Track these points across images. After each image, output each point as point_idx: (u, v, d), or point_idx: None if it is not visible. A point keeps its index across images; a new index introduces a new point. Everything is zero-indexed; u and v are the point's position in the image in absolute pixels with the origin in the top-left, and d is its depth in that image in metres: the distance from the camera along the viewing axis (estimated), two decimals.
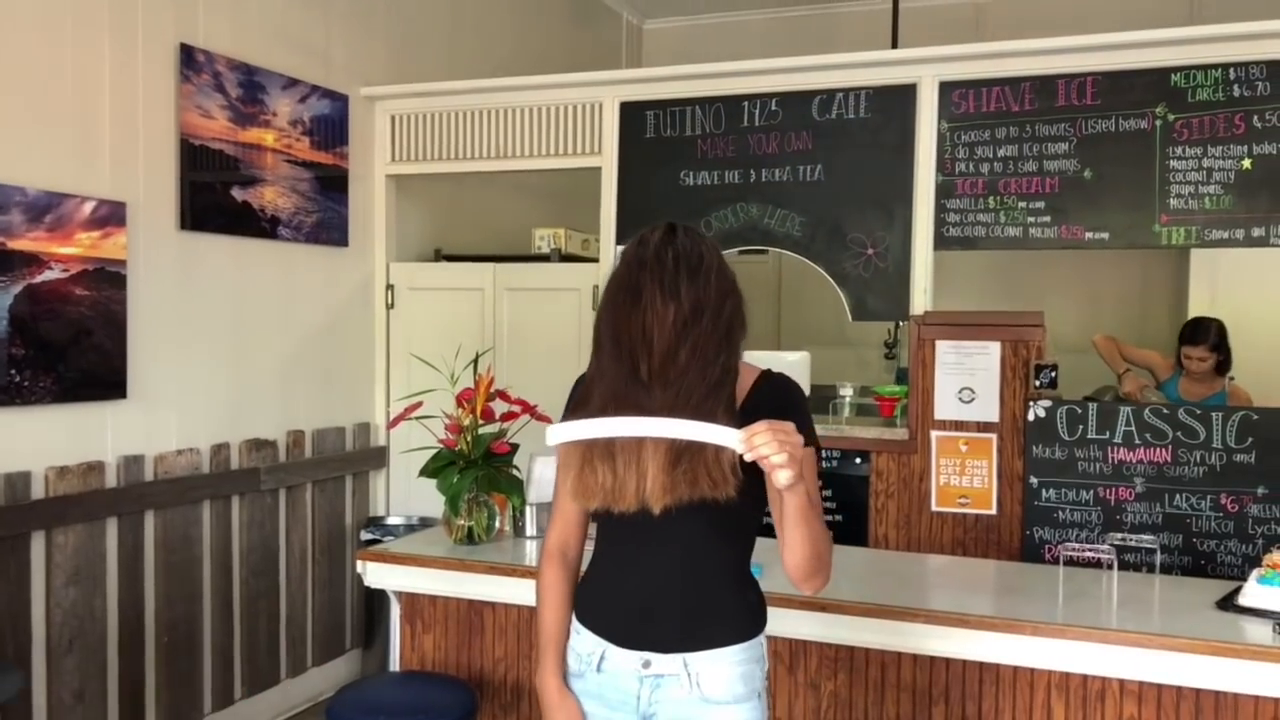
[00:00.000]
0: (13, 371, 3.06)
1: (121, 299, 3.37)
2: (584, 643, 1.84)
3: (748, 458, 1.52)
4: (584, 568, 1.97)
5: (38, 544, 3.15)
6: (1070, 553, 2.55)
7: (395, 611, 4.26)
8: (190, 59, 3.60)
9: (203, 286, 3.74)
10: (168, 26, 3.54)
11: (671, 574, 1.77)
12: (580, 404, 1.74)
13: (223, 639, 3.84)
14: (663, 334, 1.65)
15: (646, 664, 1.76)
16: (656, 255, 1.69)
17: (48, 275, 3.14)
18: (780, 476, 1.50)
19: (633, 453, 1.67)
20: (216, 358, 3.81)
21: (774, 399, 1.76)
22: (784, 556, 1.70)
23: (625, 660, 1.78)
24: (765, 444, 1.48)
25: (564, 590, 1.93)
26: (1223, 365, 4.31)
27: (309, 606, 4.27)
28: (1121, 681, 2.39)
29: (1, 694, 2.37)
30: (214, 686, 3.81)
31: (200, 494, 3.69)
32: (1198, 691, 2.33)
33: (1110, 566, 2.54)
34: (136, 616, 3.48)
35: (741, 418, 1.70)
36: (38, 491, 3.14)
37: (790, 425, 1.52)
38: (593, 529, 1.95)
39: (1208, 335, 4.28)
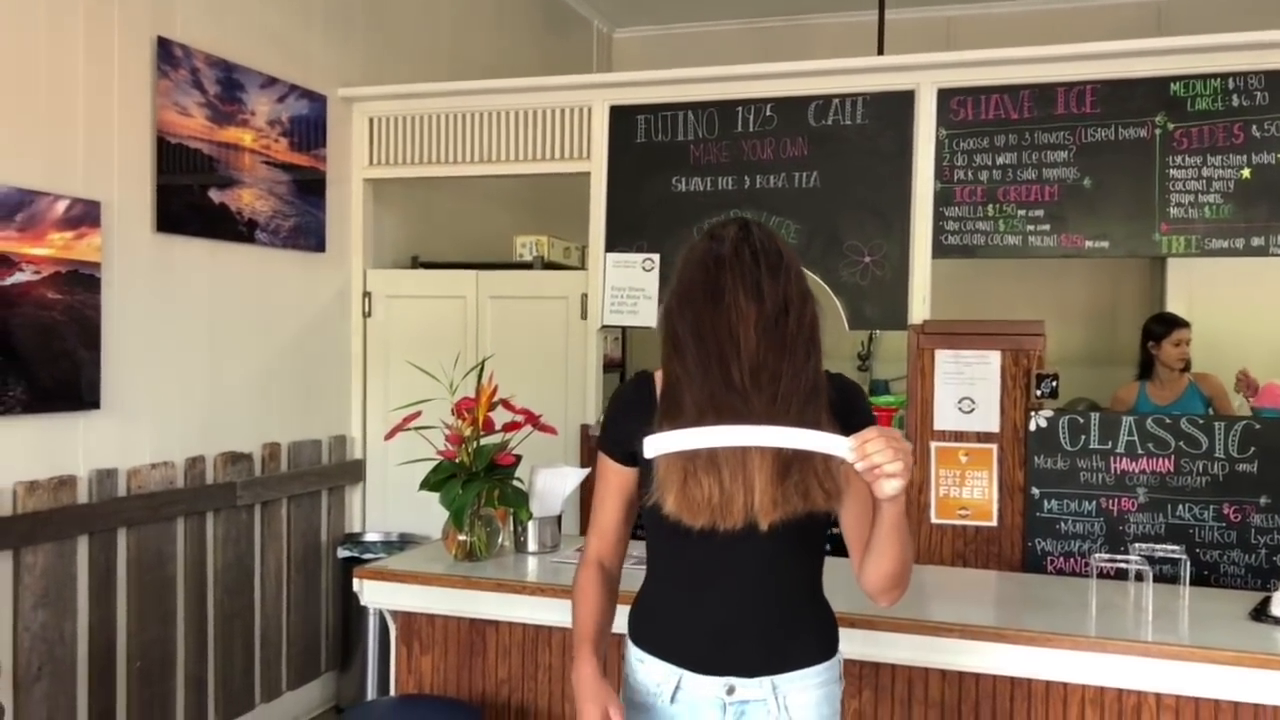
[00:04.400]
0: None
1: (96, 303, 3.18)
2: (652, 672, 1.71)
3: (858, 467, 1.41)
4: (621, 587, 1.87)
5: (4, 565, 2.95)
6: (1102, 564, 2.49)
7: (373, 632, 4.15)
8: (168, 54, 3.44)
9: (178, 292, 3.56)
10: (144, 19, 3.38)
11: (752, 591, 1.66)
12: (671, 412, 1.59)
13: (196, 663, 3.65)
14: (749, 335, 1.54)
15: (730, 690, 1.65)
16: (735, 252, 1.59)
17: (18, 277, 2.95)
18: (889, 486, 1.42)
19: (738, 464, 1.54)
20: (192, 366, 3.63)
21: (845, 403, 1.66)
22: (868, 568, 1.61)
23: (705, 688, 1.66)
24: (879, 452, 1.39)
25: (601, 588, 1.78)
26: (1186, 364, 4.42)
27: (284, 628, 4.09)
28: (1158, 695, 2.34)
29: None
30: (187, 713, 3.61)
31: (175, 510, 3.50)
32: (1236, 705, 2.29)
33: (1140, 578, 2.49)
34: (108, 640, 3.29)
35: None
36: (5, 508, 2.94)
37: (899, 432, 1.45)
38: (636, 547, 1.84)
39: (1186, 320, 4.41)
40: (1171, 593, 2.62)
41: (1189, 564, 2.56)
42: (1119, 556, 2.53)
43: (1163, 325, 4.43)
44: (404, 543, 4.18)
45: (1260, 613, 2.45)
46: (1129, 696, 2.36)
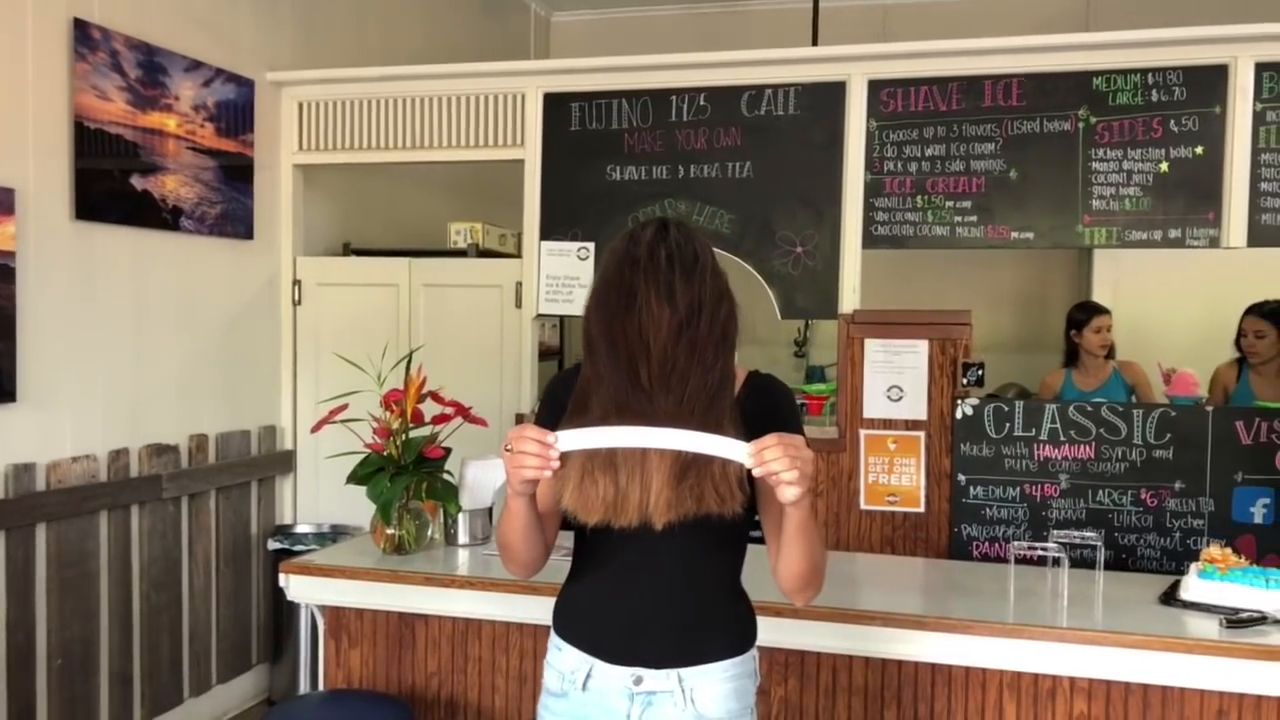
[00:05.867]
0: None
1: (10, 294, 3.10)
2: (566, 660, 1.73)
3: (756, 473, 1.45)
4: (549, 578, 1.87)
5: None
6: (1021, 551, 2.54)
7: (305, 624, 4.11)
8: (85, 36, 3.34)
9: (99, 281, 3.48)
10: (59, 0, 3.28)
11: (665, 586, 1.68)
12: (579, 410, 1.61)
13: (121, 659, 3.59)
14: (659, 337, 1.56)
15: (638, 680, 1.67)
16: (650, 253, 1.60)
17: None
18: (788, 493, 1.45)
19: (636, 464, 1.56)
20: (114, 357, 3.55)
21: (766, 402, 1.69)
22: (779, 568, 1.65)
23: (614, 677, 1.68)
24: (776, 459, 1.42)
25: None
26: (1109, 350, 4.53)
27: (213, 621, 4.03)
28: (1072, 679, 2.40)
29: None
30: (111, 710, 3.55)
31: (97, 504, 3.43)
32: (1145, 687, 2.36)
33: (1058, 564, 2.55)
34: (27, 638, 3.21)
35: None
36: None
37: (801, 440, 1.47)
38: (565, 538, 1.84)
39: (1106, 308, 4.52)
40: (1088, 578, 2.69)
41: (1104, 549, 2.63)
42: (1038, 544, 2.59)
43: (1084, 313, 4.53)
44: (336, 534, 4.15)
45: (1169, 597, 2.53)
46: (1044, 680, 2.42)
